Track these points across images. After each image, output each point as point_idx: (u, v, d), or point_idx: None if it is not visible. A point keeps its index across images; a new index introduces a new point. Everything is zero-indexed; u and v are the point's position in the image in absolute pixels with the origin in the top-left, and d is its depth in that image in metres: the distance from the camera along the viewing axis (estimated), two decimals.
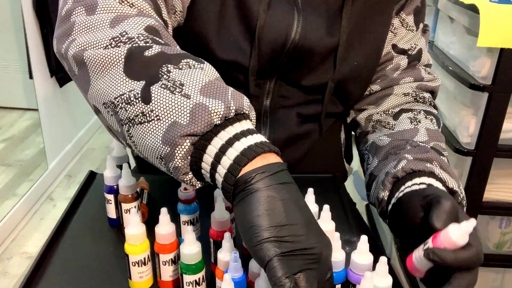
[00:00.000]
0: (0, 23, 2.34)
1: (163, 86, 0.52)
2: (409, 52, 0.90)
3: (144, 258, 0.63)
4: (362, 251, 0.56)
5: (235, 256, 0.54)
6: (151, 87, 0.53)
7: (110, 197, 0.76)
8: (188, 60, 0.56)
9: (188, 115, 0.51)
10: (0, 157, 2.49)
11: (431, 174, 0.70)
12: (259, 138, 0.52)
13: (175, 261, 0.63)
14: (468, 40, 1.26)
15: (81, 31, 0.59)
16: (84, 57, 0.57)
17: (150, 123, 0.52)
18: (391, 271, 0.57)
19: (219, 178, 0.51)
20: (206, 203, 0.74)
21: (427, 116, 0.87)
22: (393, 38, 0.88)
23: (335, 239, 0.57)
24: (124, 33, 0.57)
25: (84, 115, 2.86)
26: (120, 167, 0.76)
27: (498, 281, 1.46)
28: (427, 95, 0.91)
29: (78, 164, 2.68)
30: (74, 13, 0.60)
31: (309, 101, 0.86)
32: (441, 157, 0.76)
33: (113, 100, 0.54)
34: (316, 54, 0.81)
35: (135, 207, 0.73)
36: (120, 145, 0.82)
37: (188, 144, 0.51)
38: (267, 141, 0.53)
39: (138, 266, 0.62)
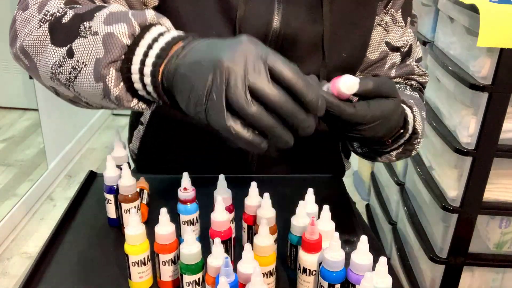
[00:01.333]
0: (0, 23, 2.34)
1: (79, 37, 0.58)
2: (402, 49, 0.91)
3: (144, 258, 0.63)
4: (362, 251, 0.56)
5: (227, 261, 0.54)
6: (72, 44, 0.58)
7: (110, 197, 0.76)
8: (100, 11, 0.59)
9: (101, 47, 0.55)
10: (0, 157, 2.48)
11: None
12: (170, 35, 0.55)
13: (175, 261, 0.63)
14: (468, 40, 1.26)
15: (20, 28, 0.65)
16: (25, 46, 0.63)
17: (81, 71, 0.57)
18: (391, 272, 0.57)
19: (150, 87, 0.54)
20: (206, 203, 0.74)
21: (412, 91, 0.90)
22: (386, 36, 0.90)
23: (334, 239, 0.57)
24: (46, 12, 0.62)
25: (84, 115, 2.86)
26: (120, 167, 0.76)
27: (498, 281, 1.46)
28: (414, 82, 0.95)
29: (78, 164, 2.68)
30: (16, 17, 0.68)
31: None
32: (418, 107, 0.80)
33: (52, 71, 0.60)
34: (301, 43, 0.81)
35: (135, 207, 0.73)
36: (120, 145, 0.82)
37: (113, 71, 0.55)
38: (180, 33, 0.56)
39: (138, 266, 0.63)
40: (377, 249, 0.72)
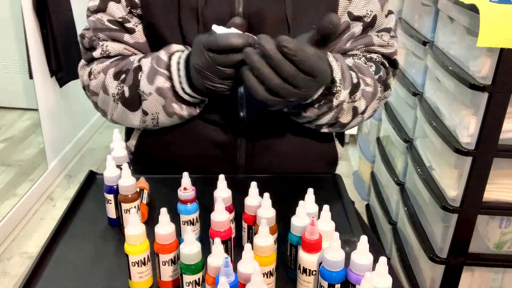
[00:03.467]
0: (0, 23, 2.34)
1: (143, 101, 0.85)
2: (364, 19, 0.90)
3: (144, 258, 0.63)
4: (362, 251, 0.56)
5: (227, 261, 0.54)
6: (142, 106, 0.86)
7: (110, 197, 0.76)
8: (139, 75, 0.84)
9: (160, 98, 0.83)
10: (0, 157, 2.49)
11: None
12: (183, 55, 0.81)
13: (175, 261, 0.63)
14: (468, 40, 1.26)
15: (103, 107, 0.91)
16: (115, 119, 0.92)
17: (159, 118, 0.87)
18: (391, 272, 0.57)
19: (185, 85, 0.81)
20: (206, 203, 0.74)
21: (367, 62, 0.89)
22: (349, 6, 0.89)
23: (335, 239, 0.57)
24: (113, 94, 0.87)
25: (84, 115, 2.86)
26: (120, 167, 0.76)
27: (498, 281, 1.46)
28: (375, 55, 0.92)
29: (78, 164, 2.68)
30: (96, 102, 0.92)
31: None
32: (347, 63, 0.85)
33: (140, 125, 0.90)
34: (268, 20, 0.83)
35: (135, 207, 0.73)
36: (120, 145, 0.82)
37: (175, 105, 0.84)
38: (185, 50, 0.83)
39: (138, 266, 0.63)
40: (377, 249, 0.73)
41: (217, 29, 0.72)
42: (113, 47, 0.89)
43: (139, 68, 0.84)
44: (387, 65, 0.94)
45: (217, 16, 0.83)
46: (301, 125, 0.89)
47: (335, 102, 0.80)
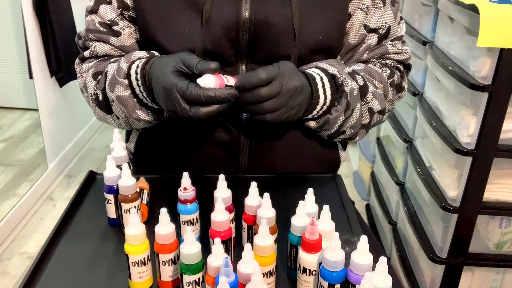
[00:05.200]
0: (0, 23, 2.34)
1: (112, 106, 0.87)
2: (379, 31, 0.91)
3: (144, 258, 0.63)
4: (362, 251, 0.56)
5: (227, 261, 0.54)
6: (114, 112, 0.89)
7: (110, 197, 0.76)
8: (104, 80, 0.87)
9: (122, 107, 0.85)
10: (0, 157, 2.49)
11: (316, 66, 0.85)
12: (140, 64, 0.82)
13: (175, 261, 0.63)
14: (468, 40, 1.26)
15: (88, 104, 0.95)
16: (99, 120, 0.94)
17: (130, 121, 0.88)
18: (391, 272, 0.57)
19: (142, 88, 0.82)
20: (206, 203, 0.74)
21: (381, 67, 0.93)
22: (365, 18, 0.90)
23: (335, 239, 0.57)
24: (90, 93, 0.90)
25: (84, 115, 2.86)
26: (120, 167, 0.76)
27: (498, 281, 1.46)
28: (390, 61, 0.95)
29: (78, 164, 2.68)
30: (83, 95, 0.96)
31: None
32: (349, 69, 0.89)
33: (120, 127, 0.93)
34: (274, 27, 0.83)
35: (135, 207, 0.73)
36: (121, 145, 0.82)
37: (139, 112, 0.85)
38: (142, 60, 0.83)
39: (138, 266, 0.63)
40: (377, 249, 0.73)
41: (201, 81, 0.72)
42: (101, 48, 0.91)
43: (105, 74, 0.86)
44: (402, 68, 0.97)
45: (222, 21, 0.82)
46: (303, 127, 0.90)
47: (334, 113, 0.84)
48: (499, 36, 1.11)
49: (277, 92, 0.74)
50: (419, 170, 1.49)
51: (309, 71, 0.83)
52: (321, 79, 0.82)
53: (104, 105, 0.88)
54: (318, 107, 0.82)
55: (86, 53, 0.93)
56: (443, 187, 1.35)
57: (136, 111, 0.84)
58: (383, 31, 0.92)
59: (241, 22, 0.83)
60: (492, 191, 1.31)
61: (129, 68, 0.82)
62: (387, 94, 0.92)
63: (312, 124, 0.86)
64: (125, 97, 0.83)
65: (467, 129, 1.25)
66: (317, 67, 0.85)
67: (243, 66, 0.87)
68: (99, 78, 0.89)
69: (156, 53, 0.86)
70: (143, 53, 0.85)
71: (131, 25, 0.90)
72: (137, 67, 0.81)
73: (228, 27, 0.83)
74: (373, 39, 0.92)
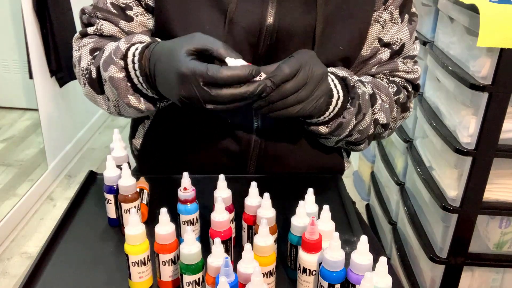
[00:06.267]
0: (0, 23, 2.34)
1: (105, 86, 0.81)
2: (393, 46, 0.90)
3: (144, 258, 0.63)
4: (362, 251, 0.56)
5: (227, 261, 0.54)
6: (105, 93, 0.83)
7: (110, 197, 0.76)
8: (100, 58, 0.81)
9: (113, 89, 0.80)
10: (0, 157, 2.48)
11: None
12: (140, 47, 0.76)
13: (175, 261, 0.63)
14: (468, 40, 1.26)
15: (78, 79, 0.89)
16: (87, 97, 0.88)
17: (120, 106, 0.83)
18: (391, 271, 0.57)
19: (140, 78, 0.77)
20: (206, 203, 0.74)
21: (388, 83, 0.91)
22: (381, 31, 0.89)
23: (335, 239, 0.57)
24: (82, 68, 0.85)
25: (84, 115, 2.86)
26: (120, 167, 0.76)
27: (498, 281, 1.46)
28: (398, 79, 0.93)
29: (78, 164, 2.68)
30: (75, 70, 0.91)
31: None
32: (356, 78, 0.87)
33: (107, 111, 0.87)
34: (295, 36, 0.82)
35: (135, 207, 0.73)
36: (121, 145, 0.82)
37: (131, 97, 0.79)
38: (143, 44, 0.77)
39: (138, 266, 0.63)
40: (377, 249, 0.72)
41: (230, 61, 0.68)
42: (108, 28, 0.86)
43: (103, 51, 0.80)
44: (410, 88, 0.95)
45: (246, 24, 0.80)
46: (313, 138, 0.89)
47: (347, 116, 0.81)
48: (499, 36, 1.11)
49: (302, 84, 0.70)
50: (419, 170, 1.49)
51: None
52: (332, 80, 0.80)
53: (96, 83, 0.82)
54: (331, 107, 0.79)
55: (90, 30, 0.87)
56: (443, 187, 1.35)
57: (128, 96, 0.78)
58: (397, 47, 0.90)
59: (264, 28, 0.81)
60: (492, 191, 1.31)
61: (128, 49, 0.77)
62: (392, 110, 0.90)
63: (323, 129, 0.82)
64: (118, 79, 0.77)
65: (467, 129, 1.25)
66: None
67: None
68: (96, 53, 0.83)
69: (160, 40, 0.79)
70: (146, 38, 0.80)
71: (146, 14, 0.87)
72: (136, 49, 0.76)
73: (250, 31, 0.81)
74: (385, 54, 0.91)
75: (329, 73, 0.81)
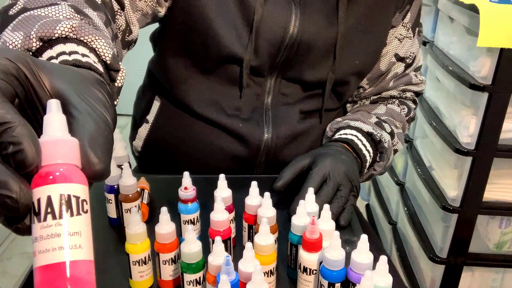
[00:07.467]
0: None
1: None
2: (407, 60, 0.94)
3: (145, 257, 0.63)
4: (362, 251, 0.56)
5: (228, 259, 0.54)
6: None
7: (111, 196, 0.76)
8: (28, 12, 0.49)
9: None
10: None
11: (348, 126, 0.88)
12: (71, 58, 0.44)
13: (175, 260, 0.63)
14: (468, 40, 1.26)
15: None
16: None
17: None
18: (392, 270, 0.57)
19: None
20: (206, 203, 0.74)
21: (400, 105, 0.96)
22: (398, 46, 0.92)
23: (335, 238, 0.57)
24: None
25: None
26: (120, 166, 0.76)
27: (498, 281, 1.47)
28: (409, 94, 0.98)
29: None
30: None
31: (309, 96, 0.87)
32: (375, 119, 0.92)
33: None
34: (316, 48, 0.82)
35: (135, 206, 0.73)
36: (121, 145, 0.82)
37: None
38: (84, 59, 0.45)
39: (139, 265, 0.63)
40: (377, 249, 0.73)
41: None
42: None
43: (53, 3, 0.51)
44: (417, 99, 1.02)
45: (270, 36, 0.79)
46: (312, 143, 0.93)
47: (378, 169, 0.90)
48: (499, 36, 1.11)
49: (333, 193, 0.74)
50: (419, 170, 1.49)
51: (345, 136, 0.85)
52: (361, 141, 0.85)
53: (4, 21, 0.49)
54: (365, 170, 0.86)
55: None
56: (443, 187, 1.36)
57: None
58: (410, 61, 0.94)
59: (286, 39, 0.80)
60: (492, 191, 1.31)
61: (48, 44, 0.46)
62: (404, 131, 0.98)
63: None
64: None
65: (467, 129, 1.25)
66: (349, 127, 0.87)
67: (272, 81, 0.85)
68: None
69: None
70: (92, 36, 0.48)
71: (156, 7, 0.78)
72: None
73: (273, 42, 0.80)
74: (400, 68, 0.94)
75: (356, 134, 0.86)
